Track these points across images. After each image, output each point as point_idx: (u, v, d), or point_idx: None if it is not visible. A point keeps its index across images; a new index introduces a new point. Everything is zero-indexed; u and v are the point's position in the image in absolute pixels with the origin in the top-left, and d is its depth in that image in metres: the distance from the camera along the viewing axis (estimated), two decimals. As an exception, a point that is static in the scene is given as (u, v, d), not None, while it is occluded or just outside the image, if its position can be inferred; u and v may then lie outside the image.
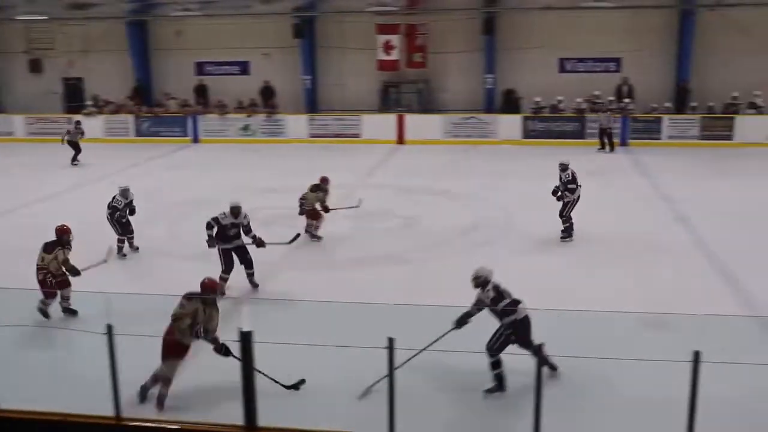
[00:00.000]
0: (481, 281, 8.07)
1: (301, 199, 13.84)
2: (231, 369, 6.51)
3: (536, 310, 7.69)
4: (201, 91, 28.14)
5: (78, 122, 23.40)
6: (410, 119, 25.72)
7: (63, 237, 10.06)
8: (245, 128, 26.60)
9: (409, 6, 26.28)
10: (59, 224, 10.23)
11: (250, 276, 11.28)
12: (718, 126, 24.12)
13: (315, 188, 13.94)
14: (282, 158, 23.41)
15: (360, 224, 14.79)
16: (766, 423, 7.34)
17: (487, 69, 26.33)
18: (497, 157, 22.91)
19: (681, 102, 25.08)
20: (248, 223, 11.15)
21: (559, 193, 13.48)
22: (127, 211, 13.00)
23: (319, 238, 13.89)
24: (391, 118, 25.78)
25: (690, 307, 8.78)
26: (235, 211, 11.01)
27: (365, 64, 26.79)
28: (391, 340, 5.43)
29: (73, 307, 10.19)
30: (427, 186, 18.52)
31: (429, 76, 27.03)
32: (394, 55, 26.40)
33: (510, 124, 25.29)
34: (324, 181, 14.14)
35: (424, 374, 7.87)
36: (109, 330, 5.77)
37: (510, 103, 26.20)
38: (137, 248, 13.35)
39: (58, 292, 10.04)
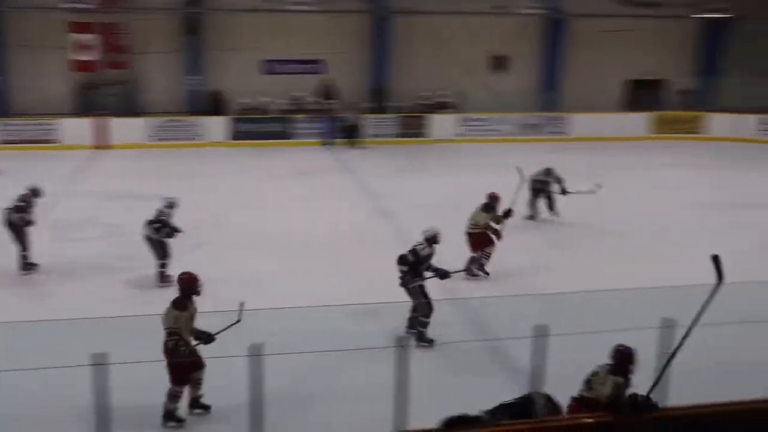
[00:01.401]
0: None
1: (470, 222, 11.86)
2: None
3: (253, 310, 7.69)
4: None
5: None
6: (113, 122, 24.49)
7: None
8: None
9: (103, 4, 24.88)
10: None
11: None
12: (413, 124, 25.93)
13: (486, 208, 11.90)
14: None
15: (61, 235, 13.84)
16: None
17: (190, 70, 25.89)
18: (205, 160, 22.65)
19: (379, 102, 26.56)
20: None
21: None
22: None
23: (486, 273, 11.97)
24: (92, 122, 24.36)
25: (398, 295, 9.27)
26: None
27: (61, 65, 25.02)
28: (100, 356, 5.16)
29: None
30: (133, 191, 17.74)
31: (132, 77, 25.96)
32: (91, 56, 24.96)
33: (217, 125, 25.12)
34: (494, 198, 12.06)
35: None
36: None
37: (217, 105, 26.01)
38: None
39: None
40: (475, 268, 11.72)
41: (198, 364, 7.25)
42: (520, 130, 26.54)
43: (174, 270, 9.55)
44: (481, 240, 11.78)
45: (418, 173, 20.67)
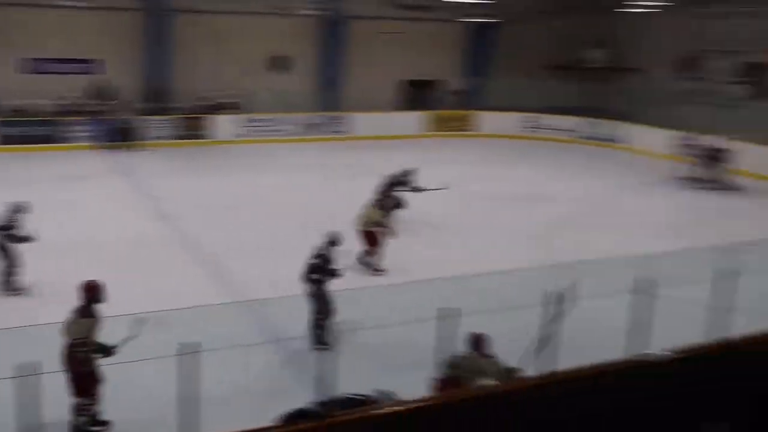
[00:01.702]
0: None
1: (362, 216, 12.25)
2: None
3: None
4: None
5: None
6: None
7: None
8: None
9: None
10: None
11: None
12: (194, 126, 25.29)
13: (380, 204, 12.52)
14: None
15: None
16: (265, 398, 7.92)
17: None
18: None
19: (158, 103, 25.63)
20: None
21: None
22: None
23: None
24: None
25: (183, 300, 9.02)
26: None
27: None
28: None
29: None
30: None
31: None
32: None
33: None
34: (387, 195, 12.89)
35: None
36: None
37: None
38: None
39: None
40: (368, 265, 12.05)
41: (100, 377, 6.87)
42: (303, 130, 26.74)
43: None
44: (372, 237, 12.11)
45: (198, 175, 20.18)
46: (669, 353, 7.60)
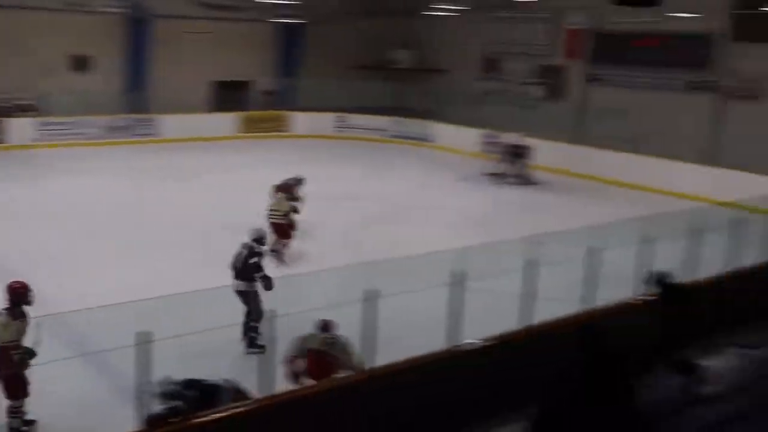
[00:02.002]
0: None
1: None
2: None
3: None
4: None
5: None
6: None
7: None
8: None
9: None
10: None
11: None
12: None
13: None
14: None
15: None
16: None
17: None
18: None
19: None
20: None
21: None
22: None
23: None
24: None
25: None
26: None
27: None
28: None
29: None
30: None
31: None
32: None
33: None
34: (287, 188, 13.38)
35: None
36: None
37: None
38: None
39: None
40: (278, 256, 12.21)
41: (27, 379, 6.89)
42: (108, 133, 25.52)
43: None
44: (283, 228, 12.36)
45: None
46: (480, 342, 7.99)
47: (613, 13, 21.46)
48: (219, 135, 27.13)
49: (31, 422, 7.22)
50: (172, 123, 26.52)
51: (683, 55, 23.49)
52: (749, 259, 11.49)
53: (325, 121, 29.03)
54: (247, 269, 9.17)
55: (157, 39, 27.29)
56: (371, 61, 30.32)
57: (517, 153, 21.46)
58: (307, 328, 7.79)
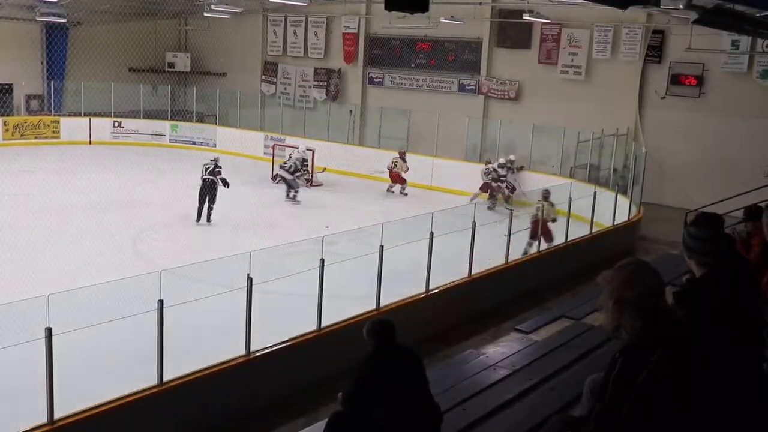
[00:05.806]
0: None
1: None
2: None
3: None
4: None
5: None
6: None
7: None
8: None
9: None
10: None
11: None
12: None
13: None
14: None
15: None
16: None
17: None
18: None
19: None
20: None
21: None
22: None
23: None
24: None
25: None
26: None
27: None
28: None
29: None
30: None
31: None
32: None
33: None
34: None
35: None
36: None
37: None
38: None
39: None
40: None
41: None
42: None
43: None
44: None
45: None
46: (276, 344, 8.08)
47: (386, 18, 22.25)
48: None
49: None
50: None
51: (455, 59, 25.12)
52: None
53: (96, 126, 27.53)
54: None
55: None
56: (146, 65, 29.24)
57: (304, 164, 21.39)
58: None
